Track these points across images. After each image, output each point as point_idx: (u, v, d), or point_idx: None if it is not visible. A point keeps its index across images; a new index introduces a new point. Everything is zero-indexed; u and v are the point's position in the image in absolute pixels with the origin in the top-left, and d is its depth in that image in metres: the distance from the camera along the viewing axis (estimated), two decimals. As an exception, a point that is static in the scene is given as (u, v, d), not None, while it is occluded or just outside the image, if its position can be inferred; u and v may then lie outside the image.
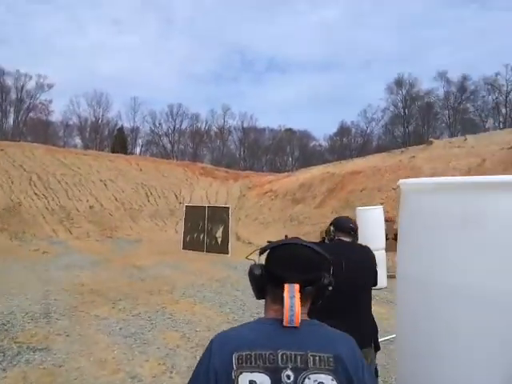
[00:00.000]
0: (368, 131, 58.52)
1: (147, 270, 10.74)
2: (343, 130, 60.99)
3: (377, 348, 2.73)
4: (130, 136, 59.02)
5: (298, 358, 1.18)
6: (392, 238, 9.29)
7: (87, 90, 73.52)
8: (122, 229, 18.76)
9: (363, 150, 46.65)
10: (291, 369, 1.17)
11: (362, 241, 9.17)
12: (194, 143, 61.71)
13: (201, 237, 15.21)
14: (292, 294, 1.21)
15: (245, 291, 8.35)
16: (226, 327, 1.38)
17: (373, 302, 2.82)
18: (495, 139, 13.20)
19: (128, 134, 58.14)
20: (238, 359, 1.18)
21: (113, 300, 7.55)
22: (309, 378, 1.16)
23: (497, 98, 48.82)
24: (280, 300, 1.23)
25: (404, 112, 54.04)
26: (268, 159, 63.70)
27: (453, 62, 79.42)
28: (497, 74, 47.63)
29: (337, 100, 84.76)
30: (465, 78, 49.95)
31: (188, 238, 15.56)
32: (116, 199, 21.49)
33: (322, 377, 1.17)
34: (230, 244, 14.26)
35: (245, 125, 62.70)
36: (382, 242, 8.53)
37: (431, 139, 17.55)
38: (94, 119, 57.51)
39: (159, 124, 60.39)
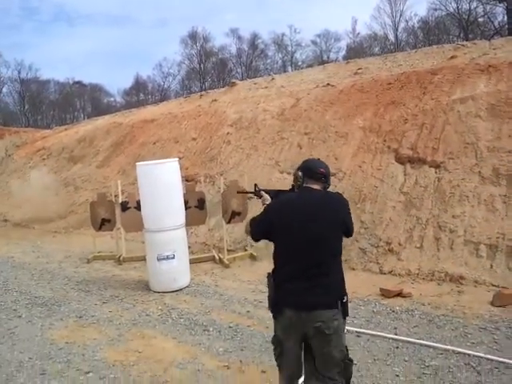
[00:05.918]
0: (165, 86, 54.87)
1: None
2: (139, 85, 56.72)
3: (345, 313, 2.26)
4: None
5: None
6: (196, 206, 6.35)
7: None
8: None
9: (161, 106, 43.34)
10: None
11: (144, 218, 5.10)
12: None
13: None
14: None
15: None
16: None
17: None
18: (306, 77, 11.49)
19: None
20: None
21: None
22: None
23: (284, 57, 50.43)
24: None
25: (200, 67, 51.88)
26: (56, 115, 55.29)
27: (244, 23, 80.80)
28: (283, 35, 48.90)
29: (131, 54, 78.09)
30: (255, 36, 49.91)
31: None
32: None
33: None
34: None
35: (23, 75, 52.44)
36: (180, 215, 5.49)
37: (234, 80, 15.17)
38: None
39: None
